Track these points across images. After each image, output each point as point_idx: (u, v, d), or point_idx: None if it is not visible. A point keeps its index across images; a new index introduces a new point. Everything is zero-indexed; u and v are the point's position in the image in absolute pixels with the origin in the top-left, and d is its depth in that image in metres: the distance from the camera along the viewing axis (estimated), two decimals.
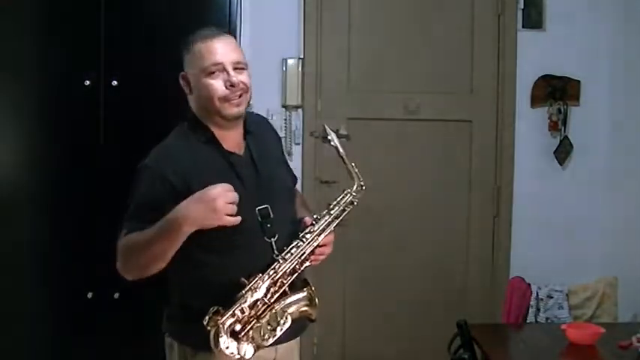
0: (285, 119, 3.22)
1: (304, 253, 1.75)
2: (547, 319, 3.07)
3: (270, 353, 1.79)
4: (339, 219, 1.81)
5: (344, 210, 1.81)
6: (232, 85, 1.76)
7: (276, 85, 3.22)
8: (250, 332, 1.65)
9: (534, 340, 2.51)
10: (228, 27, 3.02)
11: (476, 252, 3.37)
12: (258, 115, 2.10)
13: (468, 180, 3.36)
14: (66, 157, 3.01)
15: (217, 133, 1.81)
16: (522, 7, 3.30)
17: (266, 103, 3.20)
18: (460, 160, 3.35)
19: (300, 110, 3.24)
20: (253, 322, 1.66)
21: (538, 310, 3.10)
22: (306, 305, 1.76)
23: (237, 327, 1.63)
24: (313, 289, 1.77)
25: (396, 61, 3.31)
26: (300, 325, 1.82)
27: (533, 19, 3.31)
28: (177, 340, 1.81)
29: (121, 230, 1.78)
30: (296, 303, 1.74)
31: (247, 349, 1.64)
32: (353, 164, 1.83)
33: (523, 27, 3.31)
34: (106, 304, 2.98)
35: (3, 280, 2.97)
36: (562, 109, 3.31)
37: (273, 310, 1.69)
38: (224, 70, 1.77)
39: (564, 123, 3.31)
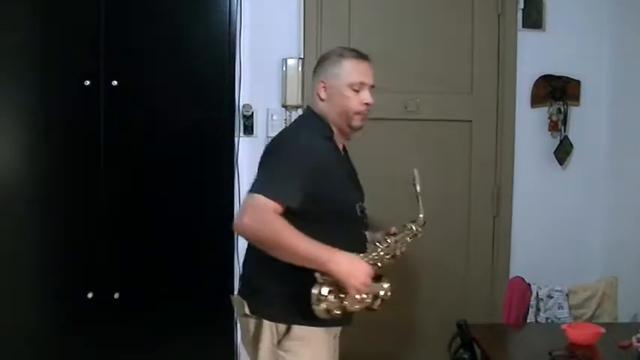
0: (285, 119, 3.21)
1: (392, 251, 2.14)
2: (547, 319, 3.07)
3: (335, 330, 2.16)
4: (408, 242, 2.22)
5: (414, 235, 2.23)
6: (367, 104, 2.14)
7: (276, 85, 3.21)
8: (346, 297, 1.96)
9: (534, 340, 2.51)
10: (228, 27, 3.03)
11: (476, 252, 3.36)
12: None
13: (468, 180, 3.35)
14: (66, 157, 3.01)
15: (337, 135, 2.19)
16: (522, 7, 3.29)
17: (266, 103, 3.20)
18: (460, 160, 3.35)
19: (300, 110, 3.23)
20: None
21: (538, 310, 3.10)
22: (382, 297, 2.08)
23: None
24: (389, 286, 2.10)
25: (396, 61, 3.30)
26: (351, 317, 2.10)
27: (533, 19, 3.31)
28: (276, 319, 2.03)
29: (260, 192, 1.94)
30: (379, 289, 2.08)
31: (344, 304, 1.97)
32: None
33: (523, 27, 3.31)
34: (106, 304, 2.99)
35: (3, 280, 2.98)
36: (562, 109, 3.31)
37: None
38: (364, 89, 2.14)
39: (564, 123, 3.31)
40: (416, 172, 2.22)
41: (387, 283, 2.11)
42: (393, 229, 2.18)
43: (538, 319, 3.08)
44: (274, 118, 3.20)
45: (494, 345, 2.41)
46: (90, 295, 2.99)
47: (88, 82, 2.96)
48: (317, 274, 1.91)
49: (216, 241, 3.05)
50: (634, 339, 2.26)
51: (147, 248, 3.02)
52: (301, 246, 1.90)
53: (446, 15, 3.31)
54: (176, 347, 3.01)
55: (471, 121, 3.34)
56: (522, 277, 3.20)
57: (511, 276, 3.29)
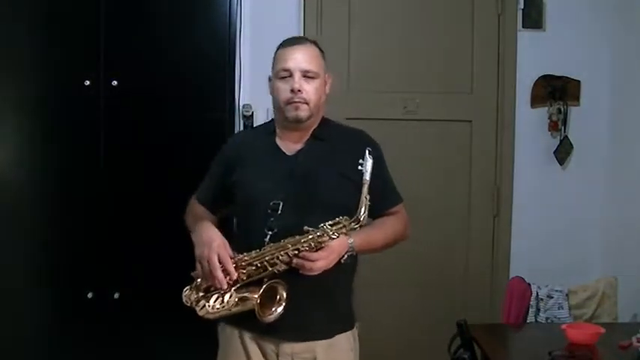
0: None
1: (283, 251, 1.86)
2: (547, 319, 3.07)
3: (269, 346, 2.00)
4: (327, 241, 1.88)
5: (331, 238, 1.88)
6: (292, 91, 1.96)
7: None
8: (213, 296, 1.93)
9: (534, 340, 2.51)
10: (228, 27, 3.02)
11: (476, 252, 3.37)
12: (359, 131, 2.19)
13: (468, 180, 3.36)
14: (66, 157, 3.01)
15: (281, 131, 2.07)
16: (522, 7, 3.30)
17: (266, 103, 3.17)
18: (460, 160, 3.35)
19: None
20: (216, 292, 1.92)
21: (538, 310, 3.10)
22: (255, 303, 1.87)
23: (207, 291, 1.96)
24: (279, 294, 1.90)
25: (396, 61, 3.31)
26: (304, 331, 1.98)
27: (533, 19, 3.31)
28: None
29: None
30: (249, 293, 1.89)
31: (205, 305, 1.95)
32: (367, 197, 1.90)
33: (523, 27, 3.31)
34: (106, 304, 2.99)
35: (3, 280, 2.98)
36: (562, 109, 3.31)
37: (231, 290, 1.90)
38: (292, 76, 1.97)
39: (564, 123, 3.31)
40: (367, 153, 1.90)
41: (260, 291, 1.87)
42: (306, 229, 1.87)
43: (538, 319, 3.08)
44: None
45: (494, 345, 2.41)
46: (90, 295, 2.98)
47: (88, 82, 2.95)
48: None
49: None
50: (634, 339, 2.26)
51: (147, 248, 3.01)
52: (192, 226, 2.07)
53: (446, 15, 3.31)
54: (176, 347, 3.00)
55: (470, 121, 3.34)
56: (522, 277, 3.20)
57: (511, 276, 3.29)
